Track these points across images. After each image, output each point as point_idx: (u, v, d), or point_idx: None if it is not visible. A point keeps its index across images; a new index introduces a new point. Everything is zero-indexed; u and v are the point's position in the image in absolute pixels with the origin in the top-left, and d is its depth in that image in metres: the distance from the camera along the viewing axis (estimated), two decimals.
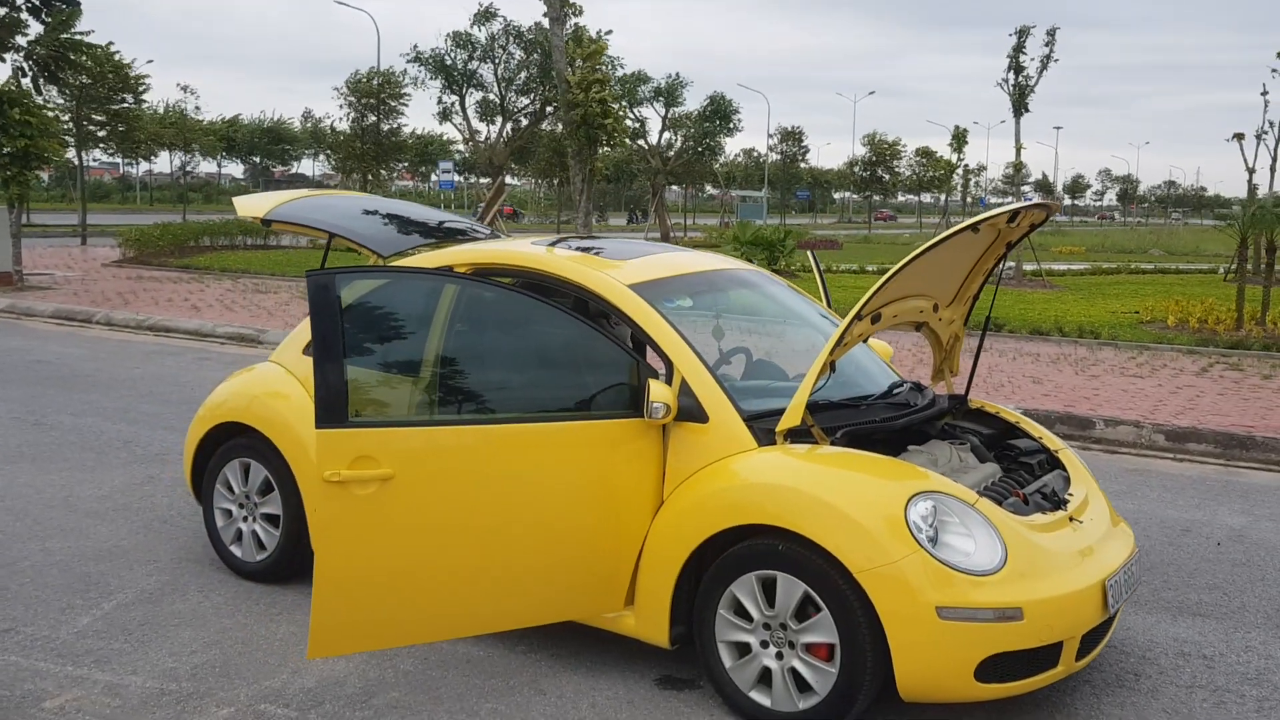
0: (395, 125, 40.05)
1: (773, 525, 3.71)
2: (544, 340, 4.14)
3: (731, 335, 4.82)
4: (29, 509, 6.23)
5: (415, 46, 30.07)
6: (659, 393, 3.90)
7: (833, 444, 3.99)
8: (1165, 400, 9.64)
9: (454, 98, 30.24)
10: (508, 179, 33.74)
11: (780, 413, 4.02)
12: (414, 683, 4.16)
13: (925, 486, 3.70)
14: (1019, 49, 22.76)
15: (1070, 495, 4.20)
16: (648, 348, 4.26)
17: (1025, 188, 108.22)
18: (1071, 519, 4.01)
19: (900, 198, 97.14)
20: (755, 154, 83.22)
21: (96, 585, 5.12)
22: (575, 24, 17.36)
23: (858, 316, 3.97)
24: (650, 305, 4.21)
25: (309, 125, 65.13)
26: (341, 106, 39.34)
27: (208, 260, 24.34)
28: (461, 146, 71.32)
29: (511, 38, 28.83)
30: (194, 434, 5.42)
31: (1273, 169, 24.39)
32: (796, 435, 3.96)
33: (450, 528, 3.75)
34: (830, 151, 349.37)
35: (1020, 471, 4.42)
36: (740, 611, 3.83)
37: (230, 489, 5.28)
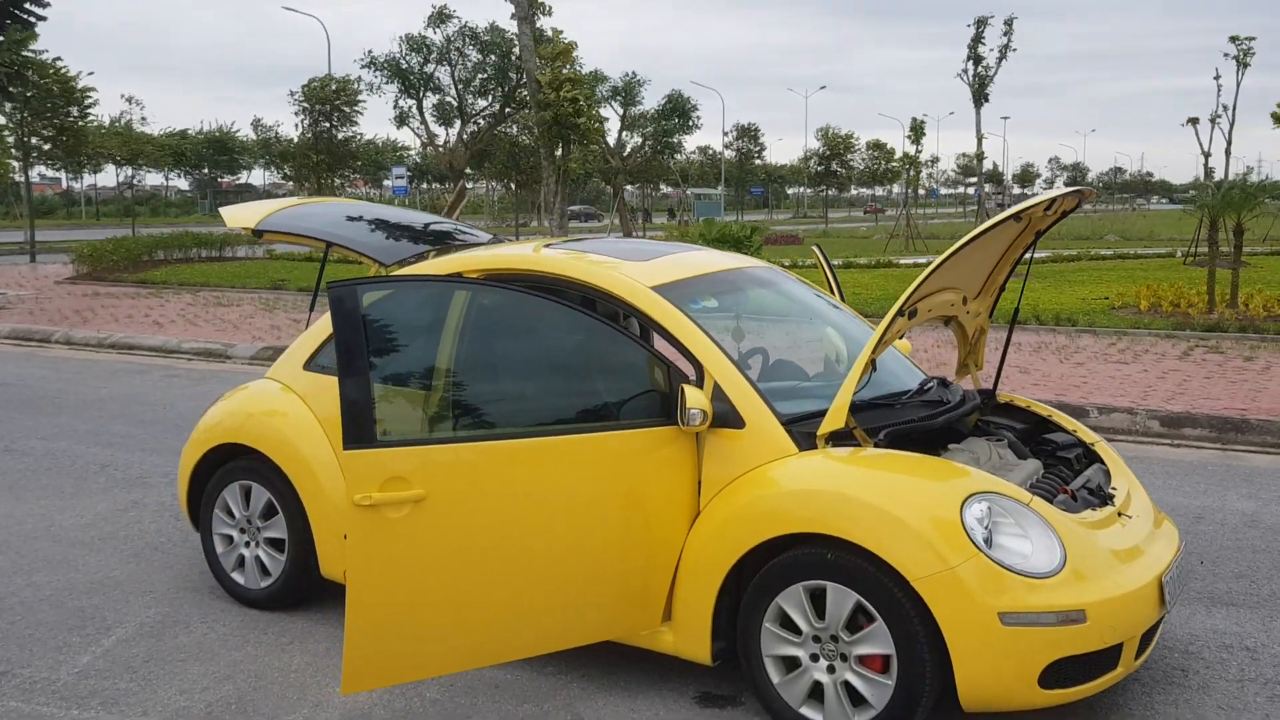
0: (351, 133, 39.54)
1: (821, 533, 3.56)
2: (574, 348, 3.97)
3: (751, 336, 4.67)
4: (9, 540, 5.96)
5: (370, 51, 29.78)
6: (696, 399, 3.74)
7: (875, 446, 3.85)
8: (1154, 386, 9.63)
9: (411, 102, 29.89)
10: (468, 183, 33.51)
11: (817, 415, 3.88)
12: (444, 712, 3.97)
13: (979, 487, 3.58)
14: (978, 39, 22.88)
15: (1114, 490, 4.10)
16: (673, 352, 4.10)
17: (974, 179, 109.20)
18: (1120, 514, 3.90)
19: (853, 191, 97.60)
20: (710, 152, 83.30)
21: (93, 620, 4.88)
22: (542, 25, 17.16)
23: (900, 313, 3.84)
24: (676, 308, 4.05)
25: (260, 135, 64.21)
26: (296, 114, 38.78)
27: (164, 274, 23.86)
28: (415, 152, 70.87)
29: (468, 39, 28.52)
30: (189, 457, 5.18)
31: (1227, 152, 24.71)
32: (838, 438, 3.82)
33: (486, 549, 3.57)
34: (783, 147, 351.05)
35: (1060, 467, 4.31)
36: (787, 624, 3.69)
37: (230, 513, 5.05)
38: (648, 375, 3.87)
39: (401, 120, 30.59)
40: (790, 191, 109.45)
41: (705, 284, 4.42)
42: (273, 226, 5.26)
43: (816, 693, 3.66)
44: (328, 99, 38.18)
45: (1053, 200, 3.96)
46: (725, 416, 3.84)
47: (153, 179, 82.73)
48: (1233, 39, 24.10)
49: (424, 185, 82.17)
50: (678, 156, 53.44)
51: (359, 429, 3.40)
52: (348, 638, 3.43)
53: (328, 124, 39.01)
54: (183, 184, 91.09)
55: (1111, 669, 3.56)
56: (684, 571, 3.85)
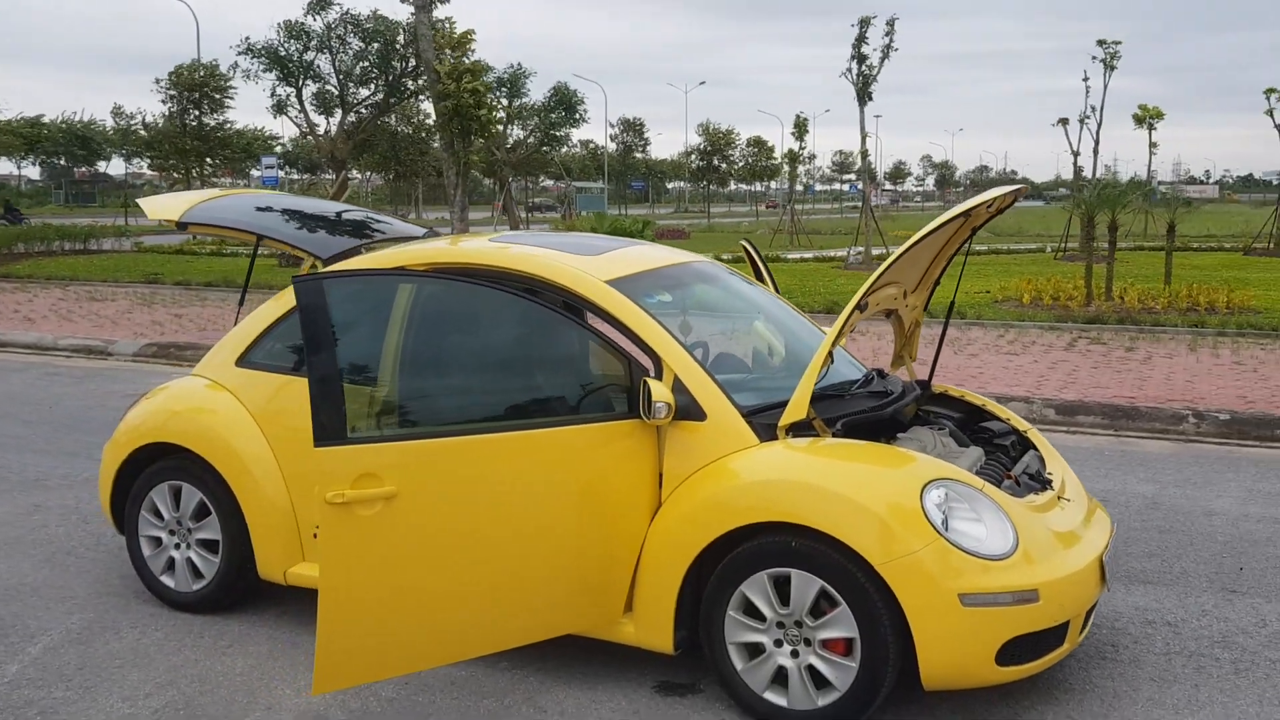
0: (220, 120, 38.29)
1: (786, 522, 3.63)
2: (540, 343, 3.96)
3: (697, 329, 4.72)
4: None
5: (247, 38, 28.88)
6: (660, 392, 3.77)
7: (834, 436, 3.95)
8: (1046, 375, 10.04)
9: (289, 90, 29.12)
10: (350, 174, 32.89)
11: (776, 406, 3.95)
12: (401, 710, 3.92)
13: (936, 474, 3.70)
14: (861, 39, 23.36)
15: (1051, 475, 4.28)
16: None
17: (850, 175, 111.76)
18: (1059, 498, 4.08)
19: (732, 186, 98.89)
20: (592, 145, 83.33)
21: (14, 629, 4.66)
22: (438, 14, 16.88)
23: (858, 307, 3.94)
24: (633, 302, 4.08)
25: (121, 122, 61.73)
26: (163, 101, 37.41)
27: (28, 268, 22.80)
28: (288, 141, 69.00)
29: (350, 27, 27.91)
30: (112, 458, 4.99)
31: (1095, 152, 25.84)
32: (797, 429, 3.90)
33: (457, 544, 3.54)
34: (663, 142, 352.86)
35: (998, 454, 4.48)
36: (751, 611, 3.75)
37: (159, 515, 4.88)
38: (610, 370, 3.89)
39: (279, 109, 29.79)
40: (670, 186, 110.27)
41: (656, 279, 4.46)
42: (199, 219, 5.10)
43: (780, 678, 3.73)
44: (197, 85, 36.93)
45: (995, 198, 4.11)
46: (686, 409, 3.89)
47: (1, 168, 78.82)
48: (1100, 43, 25.23)
49: (295, 175, 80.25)
50: (563, 150, 53.34)
51: (330, 426, 3.34)
52: (320, 637, 3.37)
53: (197, 111, 37.72)
54: (34, 173, 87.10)
55: (1059, 645, 3.72)
56: (646, 563, 3.88)
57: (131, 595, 5.05)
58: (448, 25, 15.78)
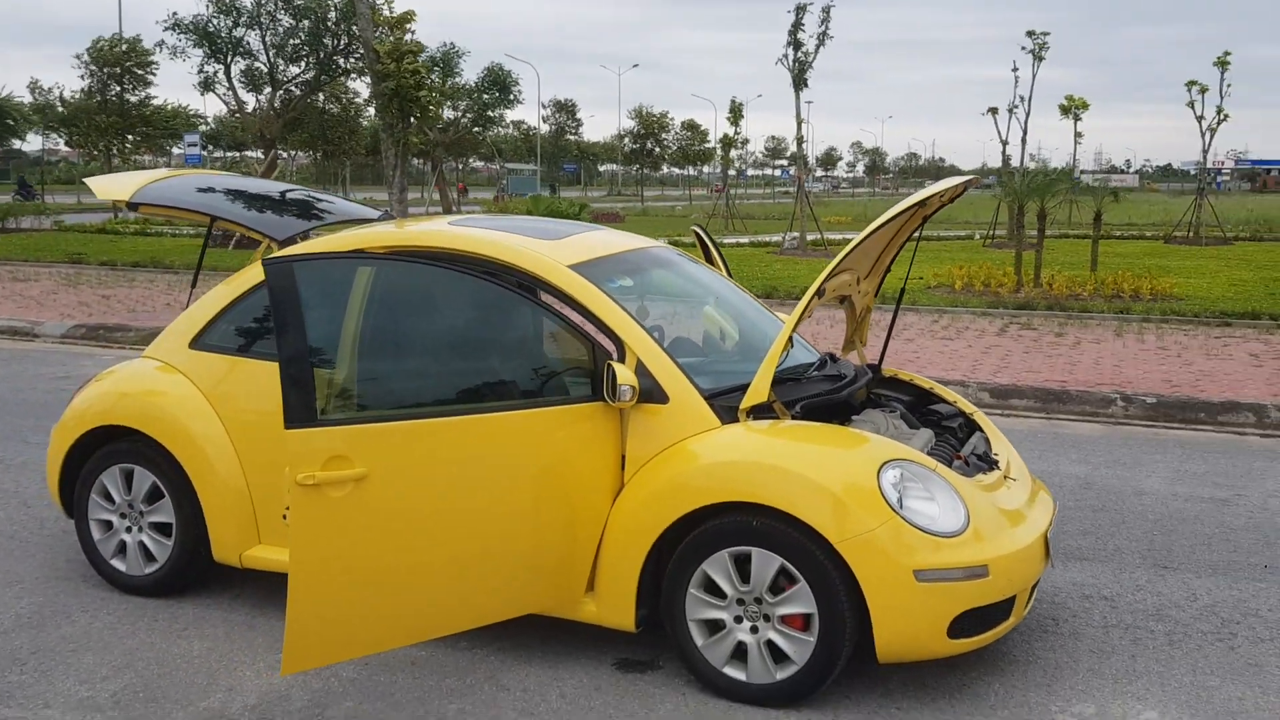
0: (143, 96, 37.51)
1: (747, 502, 3.73)
2: (505, 325, 4.00)
3: (655, 314, 4.79)
4: None
5: (174, 13, 28.16)
6: (625, 375, 3.84)
7: (793, 418, 4.05)
8: (980, 360, 10.30)
9: (217, 66, 28.46)
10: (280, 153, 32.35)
11: (735, 389, 4.04)
12: (365, 690, 3.95)
13: (892, 454, 3.82)
14: (797, 25, 23.53)
15: (997, 455, 4.44)
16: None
17: (783, 161, 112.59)
18: (1006, 478, 4.23)
19: (664, 170, 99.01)
20: (525, 127, 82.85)
21: None
22: None
23: (818, 293, 4.04)
24: (596, 286, 4.13)
25: (38, 98, 59.83)
26: (83, 77, 36.47)
27: None
28: (211, 120, 67.54)
29: (280, 3, 27.36)
30: (61, 441, 4.92)
31: (1024, 141, 26.36)
32: (757, 411, 3.99)
33: (425, 526, 3.58)
34: (594, 124, 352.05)
35: (947, 435, 4.62)
36: (712, 589, 3.84)
37: (109, 498, 4.83)
38: (575, 354, 3.94)
39: (206, 86, 29.15)
40: (602, 169, 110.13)
41: (616, 263, 4.51)
42: (150, 199, 5.03)
43: (740, 653, 3.83)
44: (118, 60, 36.04)
45: (947, 188, 4.23)
46: (649, 392, 3.95)
47: None
48: (1029, 33, 25.71)
49: (219, 153, 78.58)
50: (497, 131, 52.96)
51: (301, 408, 3.35)
52: (290, 618, 3.39)
53: (118, 86, 36.85)
54: None
55: (1006, 619, 3.87)
56: (609, 543, 3.94)
57: (80, 579, 4.99)
58: (387, 5, 15.63)
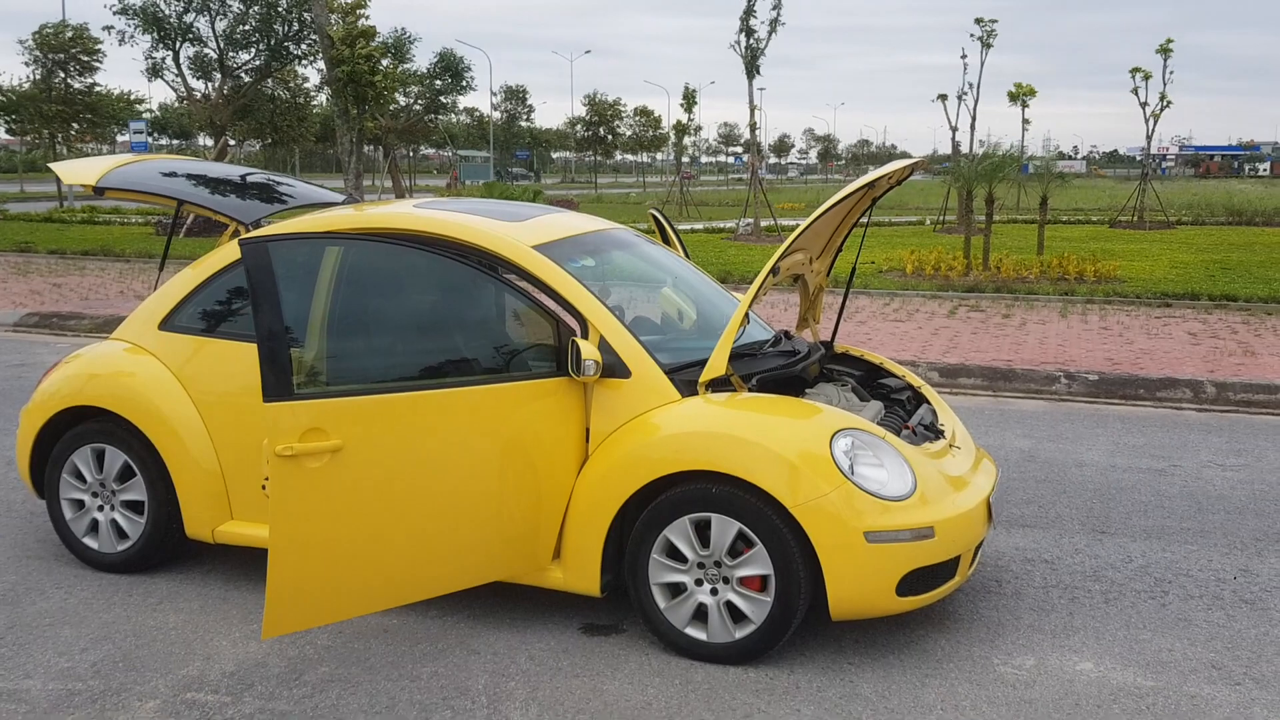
0: (89, 83, 36.85)
1: (707, 470, 3.91)
2: (472, 304, 4.15)
3: (615, 293, 4.95)
4: None
5: None
6: (589, 351, 4.00)
7: (750, 391, 4.23)
8: (930, 341, 10.57)
9: (166, 53, 28.12)
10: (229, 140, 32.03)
11: (695, 364, 4.22)
12: (339, 656, 4.09)
13: (844, 424, 4.01)
14: (749, 13, 23.72)
15: (943, 426, 4.65)
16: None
17: (737, 148, 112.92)
18: (951, 446, 4.45)
19: (618, 156, 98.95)
20: (477, 113, 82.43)
21: None
22: None
23: (772, 271, 4.22)
24: (559, 266, 4.29)
25: None
26: (27, 64, 35.80)
27: None
28: (156, 108, 66.43)
29: None
30: (31, 423, 5.00)
31: (973, 127, 26.78)
32: (716, 385, 4.17)
33: (398, 495, 3.72)
34: (547, 111, 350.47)
35: (896, 407, 4.83)
36: (673, 554, 4.02)
37: (81, 478, 4.92)
38: (540, 331, 4.10)
39: (155, 72, 28.80)
40: (555, 156, 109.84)
41: (577, 244, 4.67)
42: (116, 184, 5.11)
43: (700, 614, 4.02)
44: (63, 47, 35.43)
45: (894, 170, 4.43)
46: (612, 367, 4.12)
47: None
48: (978, 21, 26.11)
49: (165, 141, 77.42)
50: (449, 118, 52.68)
51: (278, 382, 3.48)
52: (270, 584, 3.52)
53: (63, 73, 36.22)
54: None
55: (952, 578, 4.09)
56: (574, 512, 4.11)
57: (52, 558, 5.08)
58: None
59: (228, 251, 4.78)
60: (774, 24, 23.97)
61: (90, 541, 4.94)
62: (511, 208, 4.97)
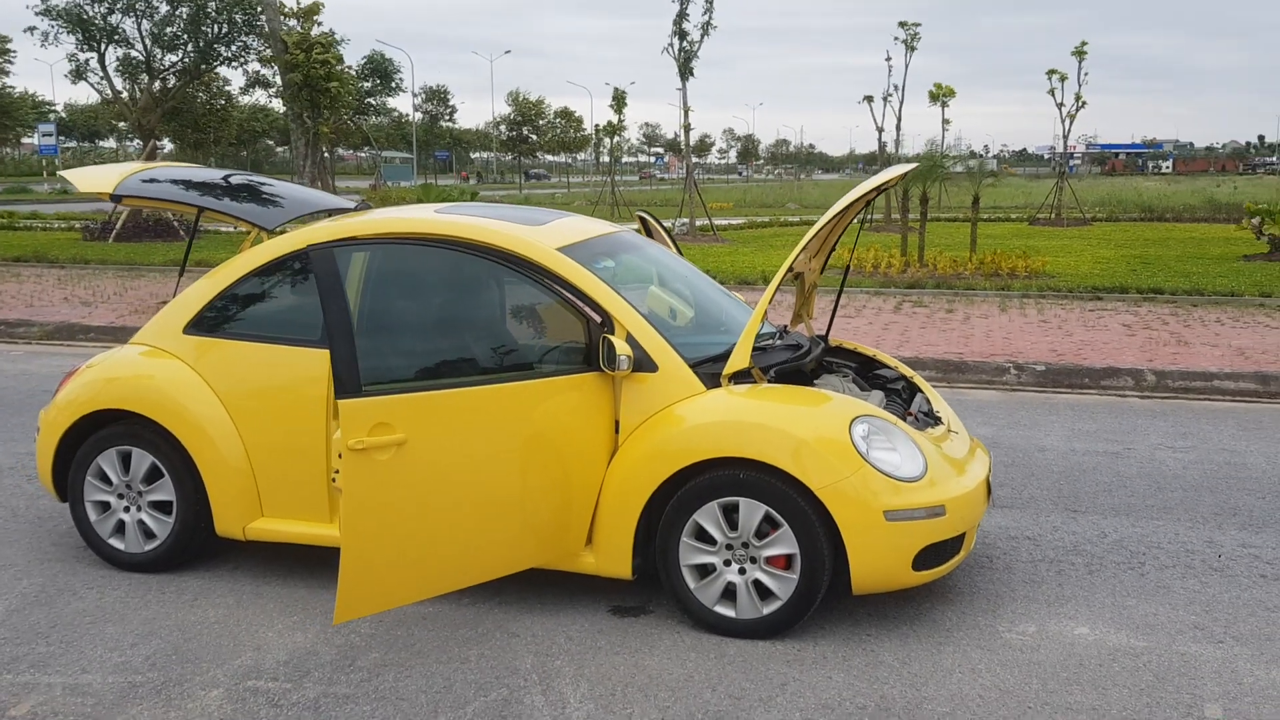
0: (1, 86, 36.00)
1: (734, 457, 4.18)
2: (515, 305, 4.38)
3: (630, 292, 5.19)
4: None
5: None
6: (622, 346, 4.25)
7: (769, 382, 4.52)
8: (882, 336, 10.98)
9: (91, 54, 27.55)
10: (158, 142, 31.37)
11: (716, 358, 4.49)
12: (386, 643, 4.28)
13: (860, 411, 4.32)
14: (682, 16, 24.10)
15: (939, 413, 4.99)
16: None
17: (659, 149, 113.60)
18: (950, 431, 4.79)
19: (542, 157, 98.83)
20: (397, 114, 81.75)
21: None
22: None
23: (790, 269, 4.51)
24: (584, 267, 4.52)
25: None
26: None
27: None
28: (62, 109, 64.70)
29: None
30: (55, 428, 5.09)
31: (898, 127, 27.49)
32: (738, 377, 4.45)
33: (454, 485, 3.94)
34: (467, 111, 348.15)
35: (893, 396, 5.15)
36: (703, 537, 4.29)
37: (106, 480, 5.03)
38: (575, 329, 4.34)
39: (79, 74, 28.20)
40: (474, 156, 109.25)
41: (597, 246, 4.91)
42: (133, 192, 5.22)
43: (729, 593, 4.29)
44: None
45: (898, 175, 4.76)
46: (639, 362, 4.37)
47: None
48: (902, 24, 26.86)
49: (71, 143, 75.46)
50: (377, 119, 52.27)
51: (348, 381, 3.67)
52: (343, 570, 3.71)
53: None
54: None
55: (958, 553, 4.42)
56: (606, 500, 4.36)
57: (73, 560, 5.17)
58: None
59: (252, 256, 4.93)
60: (706, 27, 24.40)
61: (116, 542, 5.04)
62: (528, 213, 5.19)
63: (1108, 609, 4.57)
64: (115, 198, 5.20)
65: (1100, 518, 5.73)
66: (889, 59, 27.66)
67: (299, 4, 15.31)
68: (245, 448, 4.83)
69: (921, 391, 5.27)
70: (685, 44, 24.29)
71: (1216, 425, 7.77)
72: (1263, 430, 7.61)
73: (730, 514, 4.25)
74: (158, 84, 27.52)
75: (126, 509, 5.02)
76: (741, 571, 4.27)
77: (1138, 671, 4.01)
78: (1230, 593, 4.73)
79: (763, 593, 4.25)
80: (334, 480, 4.60)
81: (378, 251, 4.43)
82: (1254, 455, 6.92)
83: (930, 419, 4.88)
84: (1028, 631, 4.36)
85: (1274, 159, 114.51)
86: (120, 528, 5.04)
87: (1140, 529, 5.55)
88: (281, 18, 15.06)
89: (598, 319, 4.42)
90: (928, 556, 4.26)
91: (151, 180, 5.29)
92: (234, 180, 5.92)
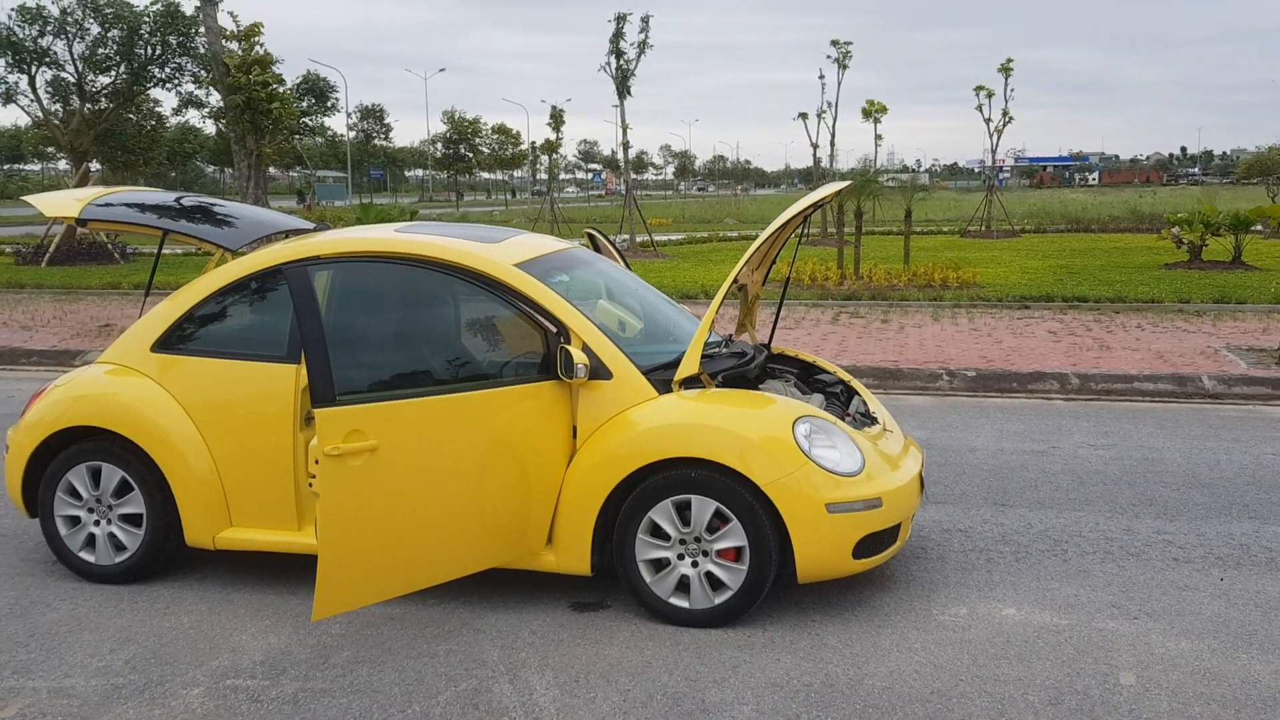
0: None
1: (686, 457, 4.47)
2: (477, 318, 4.62)
3: (582, 305, 5.45)
4: None
5: None
6: (580, 356, 4.52)
7: (717, 387, 4.81)
8: (821, 345, 11.36)
9: (20, 76, 27.18)
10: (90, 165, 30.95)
11: (666, 366, 4.78)
12: (357, 642, 4.49)
13: (801, 412, 4.63)
14: (619, 35, 24.48)
15: (875, 413, 5.32)
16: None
17: (595, 165, 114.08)
18: (885, 430, 5.12)
19: (478, 175, 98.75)
20: (330, 133, 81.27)
21: None
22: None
23: (734, 281, 4.81)
24: (540, 281, 4.79)
25: None
26: None
27: None
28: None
29: (88, 11, 26.33)
30: (24, 445, 5.22)
31: (832, 143, 28.08)
32: (688, 382, 4.74)
33: (423, 489, 4.17)
34: (402, 129, 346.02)
35: (833, 399, 5.47)
36: (658, 533, 4.56)
37: (76, 495, 5.17)
38: (534, 340, 4.60)
39: (8, 97, 27.85)
40: (409, 174, 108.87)
41: (550, 261, 5.18)
42: (99, 216, 5.37)
43: (683, 585, 4.56)
44: None
45: (833, 192, 5.09)
46: (595, 370, 4.65)
47: None
48: (834, 43, 27.51)
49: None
50: (313, 139, 52.00)
51: (323, 390, 3.90)
52: (320, 570, 3.93)
53: None
54: None
55: (894, 543, 4.74)
56: (566, 501, 4.61)
57: (44, 574, 5.30)
58: (233, 19, 15.56)
59: (218, 276, 5.12)
60: (643, 45, 24.80)
61: (87, 555, 5.19)
62: (483, 231, 5.44)
63: (1033, 592, 4.91)
64: (81, 221, 5.35)
65: (1027, 510, 6.10)
66: (822, 76, 28.33)
67: (238, 27, 15.41)
68: (214, 460, 5.01)
69: (859, 394, 5.60)
70: (622, 63, 24.65)
71: (1136, 424, 8.22)
72: (1179, 428, 8.07)
73: (683, 511, 4.52)
74: (89, 106, 27.29)
75: (97, 523, 5.17)
76: (694, 564, 4.55)
77: (1060, 646, 4.35)
78: (1145, 575, 5.11)
79: (714, 584, 4.53)
80: (311, 485, 4.80)
81: (344, 269, 4.66)
82: (1170, 451, 7.36)
83: (867, 419, 5.20)
84: (960, 613, 4.68)
85: (1196, 170, 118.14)
86: (91, 541, 5.18)
87: (1063, 520, 5.92)
88: (223, 41, 15.12)
89: (555, 330, 4.68)
90: (867, 545, 4.57)
91: (107, 204, 5.44)
92: (187, 202, 6.09)
